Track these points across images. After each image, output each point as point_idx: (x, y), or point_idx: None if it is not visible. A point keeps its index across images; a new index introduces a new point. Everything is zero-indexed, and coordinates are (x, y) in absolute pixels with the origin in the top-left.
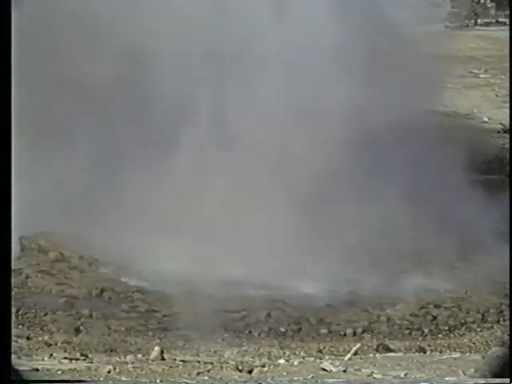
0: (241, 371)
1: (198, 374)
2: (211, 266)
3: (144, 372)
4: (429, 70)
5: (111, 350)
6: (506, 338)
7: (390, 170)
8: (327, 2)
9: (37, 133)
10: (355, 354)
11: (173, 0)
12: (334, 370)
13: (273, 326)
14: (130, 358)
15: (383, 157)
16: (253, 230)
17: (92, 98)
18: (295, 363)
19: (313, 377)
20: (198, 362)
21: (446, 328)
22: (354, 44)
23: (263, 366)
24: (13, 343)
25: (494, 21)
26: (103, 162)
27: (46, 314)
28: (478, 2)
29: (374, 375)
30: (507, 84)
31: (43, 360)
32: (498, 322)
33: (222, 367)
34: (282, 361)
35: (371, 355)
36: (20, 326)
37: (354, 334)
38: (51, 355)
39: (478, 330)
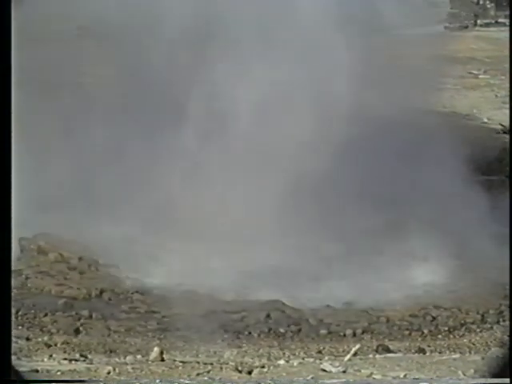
0: (240, 372)
1: (198, 374)
2: None
3: (143, 373)
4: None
5: (111, 351)
6: (506, 338)
7: (389, 169)
8: (327, 2)
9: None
10: (355, 354)
11: None
12: (334, 370)
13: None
14: (129, 358)
15: (381, 157)
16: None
17: None
18: (295, 364)
19: (312, 377)
20: (198, 362)
21: (446, 329)
22: (353, 44)
23: (263, 367)
24: (12, 344)
25: (493, 21)
26: None
27: (45, 315)
28: (478, 3)
29: (374, 376)
30: (507, 85)
31: (43, 361)
32: (498, 322)
33: (221, 368)
34: (281, 361)
35: (371, 356)
36: (20, 327)
37: (354, 334)
38: (51, 356)
39: (478, 330)
